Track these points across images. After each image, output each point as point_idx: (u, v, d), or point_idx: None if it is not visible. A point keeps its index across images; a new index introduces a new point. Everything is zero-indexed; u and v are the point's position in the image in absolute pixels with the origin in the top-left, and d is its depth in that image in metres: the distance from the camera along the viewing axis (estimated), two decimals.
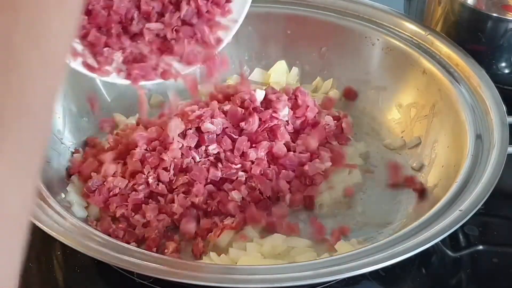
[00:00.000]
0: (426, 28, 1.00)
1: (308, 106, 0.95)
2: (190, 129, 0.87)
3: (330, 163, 0.90)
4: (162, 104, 1.02)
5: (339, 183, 0.90)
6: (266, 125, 0.90)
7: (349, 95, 1.04)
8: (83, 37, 0.75)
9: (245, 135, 0.89)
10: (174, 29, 0.78)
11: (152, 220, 0.81)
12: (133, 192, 0.83)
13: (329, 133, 0.95)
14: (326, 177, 0.90)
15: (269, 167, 0.89)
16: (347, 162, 0.92)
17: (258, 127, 0.89)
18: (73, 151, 0.92)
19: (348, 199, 0.89)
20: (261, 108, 0.91)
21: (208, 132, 0.86)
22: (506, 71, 1.03)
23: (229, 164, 0.86)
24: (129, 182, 0.85)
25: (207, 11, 0.79)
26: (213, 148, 0.86)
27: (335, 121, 0.98)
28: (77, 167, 0.89)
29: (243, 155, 0.88)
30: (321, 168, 0.89)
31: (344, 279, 0.76)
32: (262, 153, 0.89)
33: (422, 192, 0.87)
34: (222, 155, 0.86)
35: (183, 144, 0.86)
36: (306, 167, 0.88)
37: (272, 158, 0.90)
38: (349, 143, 0.97)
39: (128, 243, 0.77)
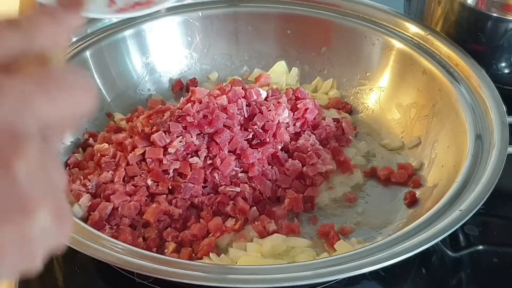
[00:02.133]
0: (426, 28, 1.00)
1: (307, 108, 0.95)
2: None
3: (331, 166, 0.90)
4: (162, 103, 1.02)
5: (340, 183, 0.90)
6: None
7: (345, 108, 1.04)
8: None
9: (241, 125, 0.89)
10: None
11: (152, 220, 0.81)
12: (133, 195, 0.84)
13: (330, 134, 0.96)
14: (326, 177, 0.90)
15: (270, 166, 0.89)
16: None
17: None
18: (73, 151, 0.92)
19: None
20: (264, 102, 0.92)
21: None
22: (506, 71, 1.03)
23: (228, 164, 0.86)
24: (127, 184, 0.85)
25: None
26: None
27: (335, 122, 0.98)
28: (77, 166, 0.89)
29: (244, 156, 0.88)
30: (321, 170, 0.89)
31: (344, 279, 0.76)
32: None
33: (413, 202, 0.87)
34: (218, 162, 0.86)
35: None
36: (305, 168, 0.88)
37: (273, 158, 0.90)
38: (351, 144, 0.97)
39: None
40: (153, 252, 0.77)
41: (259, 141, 0.90)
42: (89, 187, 0.85)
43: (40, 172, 0.32)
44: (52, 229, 0.33)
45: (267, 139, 0.90)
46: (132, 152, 0.86)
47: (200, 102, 0.90)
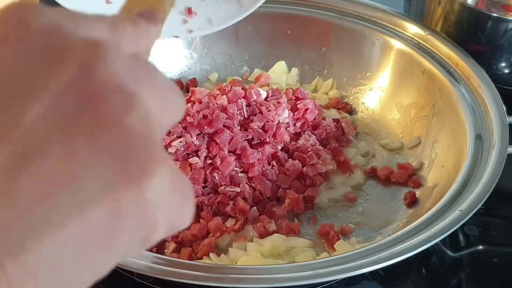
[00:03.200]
0: (426, 28, 1.00)
1: (307, 109, 0.95)
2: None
3: (331, 166, 0.90)
4: None
5: (340, 183, 0.90)
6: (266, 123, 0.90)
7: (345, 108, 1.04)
8: None
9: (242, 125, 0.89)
10: None
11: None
12: None
13: (330, 134, 0.96)
14: (326, 178, 0.90)
15: (270, 166, 0.89)
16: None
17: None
18: None
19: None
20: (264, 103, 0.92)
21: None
22: (506, 71, 1.03)
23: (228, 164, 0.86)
24: None
25: None
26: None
27: (335, 123, 0.98)
28: None
29: (244, 156, 0.88)
30: (322, 170, 0.89)
31: (344, 279, 0.76)
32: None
33: (413, 202, 0.87)
34: (218, 162, 0.86)
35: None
36: (305, 169, 0.88)
37: (273, 158, 0.90)
38: (351, 144, 0.97)
39: None
40: (153, 252, 0.77)
41: (259, 141, 0.90)
42: None
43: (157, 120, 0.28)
44: (171, 199, 0.28)
45: (267, 139, 0.90)
46: None
47: (200, 102, 0.90)
